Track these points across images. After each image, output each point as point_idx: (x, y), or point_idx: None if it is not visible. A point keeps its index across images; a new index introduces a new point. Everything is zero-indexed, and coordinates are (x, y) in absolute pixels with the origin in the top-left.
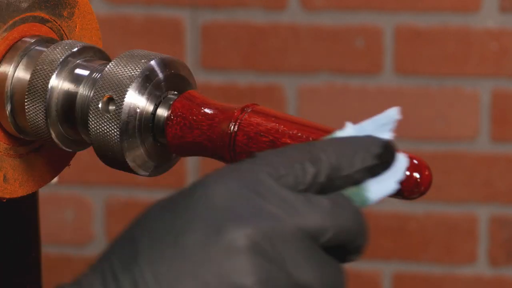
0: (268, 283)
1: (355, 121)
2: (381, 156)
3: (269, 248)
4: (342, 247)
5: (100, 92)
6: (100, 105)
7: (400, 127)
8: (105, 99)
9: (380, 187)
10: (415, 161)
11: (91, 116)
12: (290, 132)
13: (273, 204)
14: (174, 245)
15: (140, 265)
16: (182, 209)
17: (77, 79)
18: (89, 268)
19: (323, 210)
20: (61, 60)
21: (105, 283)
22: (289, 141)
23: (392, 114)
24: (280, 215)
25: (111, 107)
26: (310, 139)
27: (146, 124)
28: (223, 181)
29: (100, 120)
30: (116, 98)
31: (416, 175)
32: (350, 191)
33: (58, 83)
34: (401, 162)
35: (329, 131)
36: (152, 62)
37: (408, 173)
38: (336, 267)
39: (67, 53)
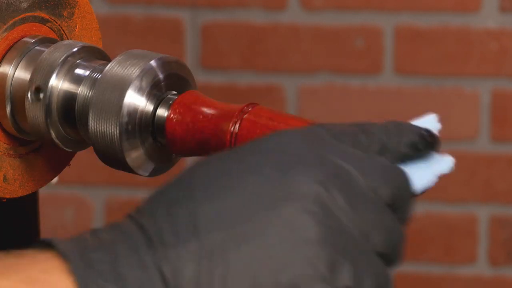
0: (331, 227)
1: (355, 120)
2: (425, 139)
3: (334, 194)
4: (397, 208)
5: (100, 92)
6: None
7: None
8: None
9: (419, 177)
10: None
11: (91, 116)
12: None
13: (339, 157)
14: (234, 184)
15: (197, 201)
16: (238, 156)
17: (77, 79)
18: (137, 211)
19: (385, 168)
20: (61, 60)
21: (156, 220)
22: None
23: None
24: (347, 168)
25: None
26: None
27: (146, 124)
28: (285, 134)
29: (100, 120)
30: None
31: None
32: None
33: (58, 83)
34: (445, 160)
35: None
36: (152, 62)
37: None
38: (397, 223)
39: (67, 53)
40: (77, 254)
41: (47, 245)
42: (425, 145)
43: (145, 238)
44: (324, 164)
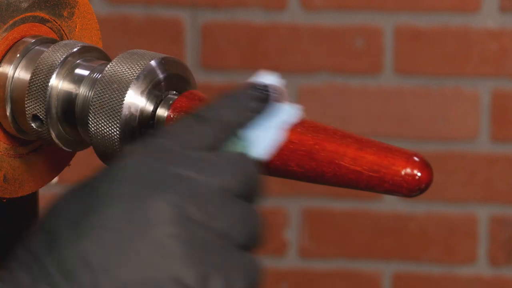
0: (195, 243)
1: (355, 121)
2: (260, 99)
3: (189, 211)
4: (248, 195)
5: (100, 92)
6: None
7: (400, 127)
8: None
9: (262, 136)
10: (415, 159)
11: (91, 116)
12: (291, 131)
13: (185, 168)
14: (94, 221)
15: (62, 245)
16: (95, 188)
17: (77, 79)
18: (6, 264)
19: (232, 165)
20: (61, 60)
21: (30, 271)
22: (290, 140)
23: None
24: (194, 176)
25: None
26: (311, 137)
27: (146, 124)
28: (131, 158)
29: (100, 120)
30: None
31: (417, 172)
32: (234, 145)
33: (58, 83)
34: (289, 109)
35: (328, 130)
36: (152, 62)
37: (404, 170)
38: (251, 210)
39: (67, 53)
40: None
41: None
42: (263, 104)
43: None
44: (173, 182)
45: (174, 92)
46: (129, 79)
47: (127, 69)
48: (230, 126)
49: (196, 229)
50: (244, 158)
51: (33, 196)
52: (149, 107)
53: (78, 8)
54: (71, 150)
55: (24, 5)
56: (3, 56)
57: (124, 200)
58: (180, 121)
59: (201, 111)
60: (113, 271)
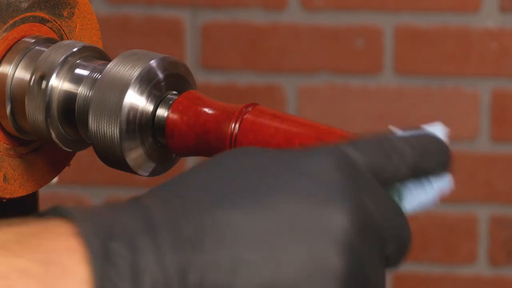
0: (356, 278)
1: (355, 121)
2: (450, 160)
3: (362, 244)
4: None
5: (100, 91)
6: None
7: (400, 127)
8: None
9: (415, 197)
10: None
11: (91, 116)
12: (291, 131)
13: (369, 198)
14: (271, 203)
15: (226, 211)
16: (281, 171)
17: (77, 79)
18: (163, 201)
19: (397, 222)
20: (61, 60)
21: (186, 219)
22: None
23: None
24: (373, 212)
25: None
26: (311, 137)
27: (146, 124)
28: (320, 157)
29: (100, 120)
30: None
31: None
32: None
33: (58, 83)
34: (445, 178)
35: (328, 130)
36: (152, 62)
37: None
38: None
39: (67, 53)
40: (97, 241)
41: (63, 213)
42: (448, 165)
43: (170, 237)
44: (359, 207)
45: (174, 92)
46: (129, 79)
47: (127, 69)
48: (419, 173)
49: (362, 262)
50: (407, 227)
51: (33, 196)
52: (149, 107)
53: (78, 8)
54: (71, 150)
55: (24, 5)
56: (3, 56)
57: (304, 195)
58: (373, 145)
59: (397, 143)
60: (268, 262)
